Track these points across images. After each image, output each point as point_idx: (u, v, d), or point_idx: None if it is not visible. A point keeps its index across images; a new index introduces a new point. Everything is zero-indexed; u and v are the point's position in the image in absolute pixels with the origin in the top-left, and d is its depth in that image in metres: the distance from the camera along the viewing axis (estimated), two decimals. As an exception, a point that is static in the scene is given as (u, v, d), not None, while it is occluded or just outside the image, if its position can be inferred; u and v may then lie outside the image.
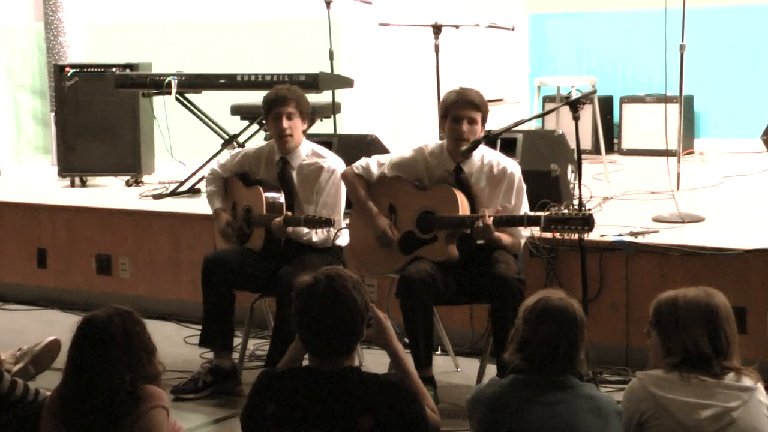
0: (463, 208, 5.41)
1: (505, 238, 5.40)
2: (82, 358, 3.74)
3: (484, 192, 5.49)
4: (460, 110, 5.44)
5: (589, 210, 5.16)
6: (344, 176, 5.76)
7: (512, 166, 5.54)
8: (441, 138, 5.74)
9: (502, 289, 5.22)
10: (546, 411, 3.56)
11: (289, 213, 5.68)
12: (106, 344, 3.71)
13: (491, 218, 5.27)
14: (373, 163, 5.70)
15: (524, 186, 5.54)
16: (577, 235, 5.20)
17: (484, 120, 5.47)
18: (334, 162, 5.87)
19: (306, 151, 5.90)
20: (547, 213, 5.13)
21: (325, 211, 5.75)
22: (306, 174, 5.85)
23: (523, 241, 5.57)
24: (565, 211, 5.11)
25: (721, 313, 3.69)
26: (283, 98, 5.78)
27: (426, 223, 5.50)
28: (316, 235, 5.73)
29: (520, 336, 3.67)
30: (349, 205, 5.86)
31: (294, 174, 5.86)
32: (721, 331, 3.67)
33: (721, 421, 3.59)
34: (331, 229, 5.66)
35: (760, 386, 3.68)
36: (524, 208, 5.52)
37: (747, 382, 3.66)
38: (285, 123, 5.77)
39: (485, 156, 5.55)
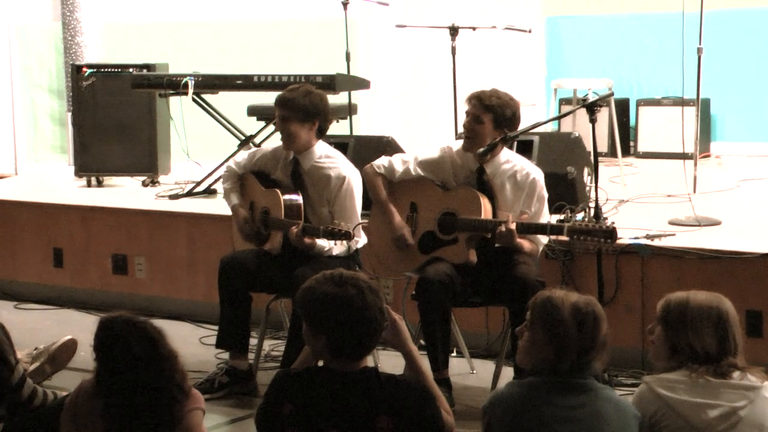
0: (486, 212, 5.40)
1: (525, 244, 5.38)
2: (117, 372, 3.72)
3: (506, 195, 5.48)
4: (467, 105, 5.51)
5: (612, 223, 5.16)
6: (365, 173, 5.74)
7: (536, 173, 5.53)
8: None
9: (522, 290, 5.16)
10: (567, 414, 3.54)
11: (308, 223, 5.63)
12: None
13: (514, 224, 5.27)
14: (396, 162, 5.68)
15: (546, 195, 5.52)
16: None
17: (498, 122, 5.42)
18: (345, 168, 5.77)
19: (319, 153, 5.82)
20: (570, 223, 5.12)
21: (342, 220, 5.63)
22: (316, 178, 5.79)
23: (541, 248, 5.56)
24: (589, 223, 5.10)
25: (730, 317, 3.76)
26: (279, 101, 5.76)
27: (447, 224, 5.50)
28: (337, 247, 5.66)
29: (559, 342, 3.57)
30: (367, 206, 5.85)
31: (304, 175, 5.84)
32: (730, 334, 3.73)
33: (728, 420, 3.65)
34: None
35: (767, 384, 3.72)
36: (544, 216, 5.51)
37: (753, 380, 3.71)
38: (279, 125, 5.78)
39: (510, 160, 5.54)
